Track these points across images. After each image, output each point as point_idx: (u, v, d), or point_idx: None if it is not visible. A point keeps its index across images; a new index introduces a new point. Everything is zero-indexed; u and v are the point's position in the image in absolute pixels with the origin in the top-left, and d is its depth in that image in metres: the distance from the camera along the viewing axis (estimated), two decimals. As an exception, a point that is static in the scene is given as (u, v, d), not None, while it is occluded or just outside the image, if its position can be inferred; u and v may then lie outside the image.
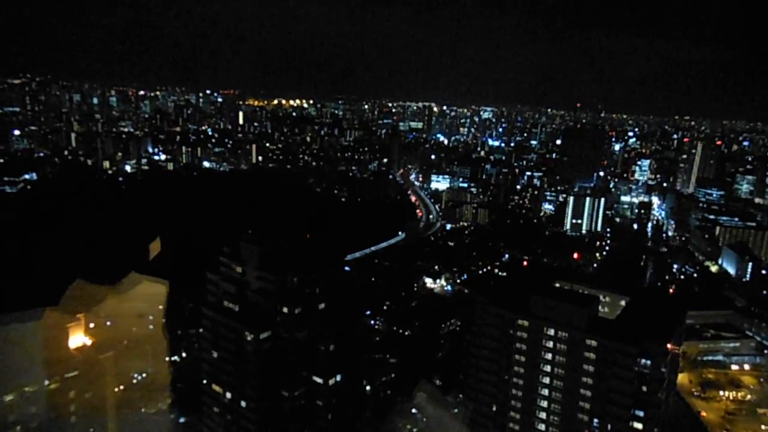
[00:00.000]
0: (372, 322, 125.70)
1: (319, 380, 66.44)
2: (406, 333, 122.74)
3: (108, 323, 79.56)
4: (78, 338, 76.53)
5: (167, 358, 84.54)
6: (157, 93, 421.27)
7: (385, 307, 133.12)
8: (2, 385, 65.66)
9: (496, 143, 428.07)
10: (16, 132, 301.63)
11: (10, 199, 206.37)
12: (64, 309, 69.06)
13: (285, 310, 64.12)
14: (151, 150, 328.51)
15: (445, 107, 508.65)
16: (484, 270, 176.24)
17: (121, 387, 77.66)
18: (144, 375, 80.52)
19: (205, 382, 69.77)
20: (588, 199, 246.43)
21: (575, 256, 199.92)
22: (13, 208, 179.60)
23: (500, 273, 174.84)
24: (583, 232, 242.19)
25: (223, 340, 66.95)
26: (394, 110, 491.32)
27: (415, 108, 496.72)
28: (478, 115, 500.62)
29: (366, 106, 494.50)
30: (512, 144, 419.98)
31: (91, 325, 77.36)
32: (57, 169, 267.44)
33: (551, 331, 60.06)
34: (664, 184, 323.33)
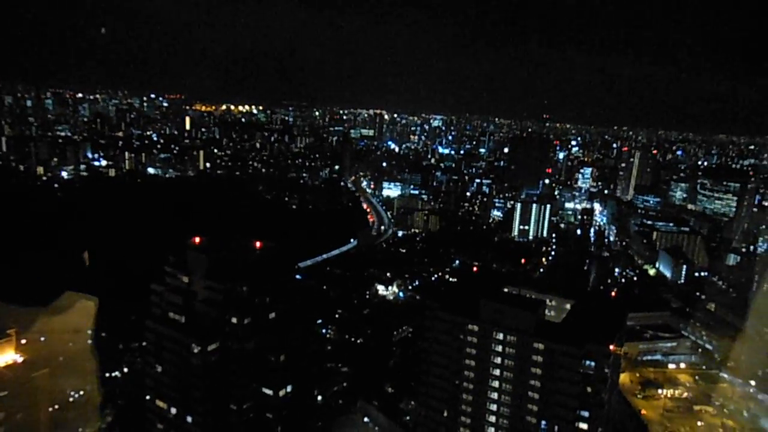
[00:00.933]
0: (324, 330, 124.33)
1: (269, 392, 65.02)
2: (358, 341, 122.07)
3: (42, 339, 74.96)
4: (8, 356, 71.67)
5: (106, 374, 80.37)
6: (98, 96, 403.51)
7: (337, 315, 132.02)
8: None
9: (446, 151, 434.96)
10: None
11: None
12: None
13: (234, 320, 62.43)
14: (90, 156, 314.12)
15: (395, 115, 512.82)
16: (436, 276, 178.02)
17: (56, 407, 73.21)
18: (81, 393, 76.17)
19: (148, 397, 66.85)
20: (534, 205, 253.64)
21: (523, 261, 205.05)
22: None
23: (451, 279, 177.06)
24: (530, 237, 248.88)
25: (167, 353, 64.38)
26: (345, 117, 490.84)
27: (366, 115, 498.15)
28: (428, 123, 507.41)
29: (317, 113, 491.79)
30: (462, 152, 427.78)
31: (23, 341, 72.65)
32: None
33: (500, 336, 61.11)
34: (605, 191, 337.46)
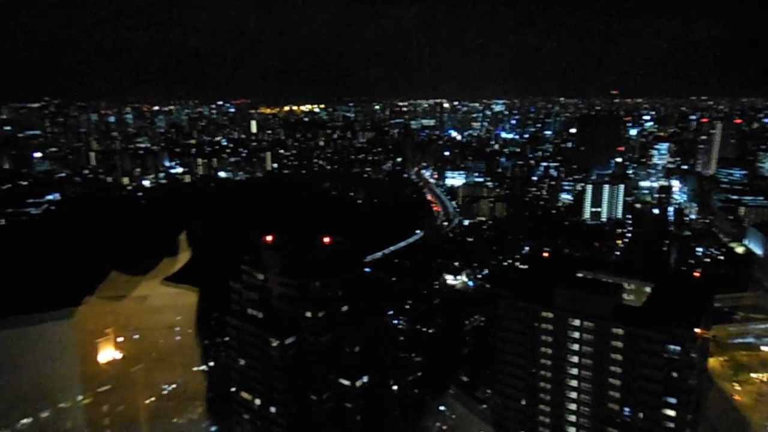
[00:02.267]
0: (395, 321, 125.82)
1: (346, 382, 66.76)
2: (430, 331, 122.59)
3: (136, 336, 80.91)
4: (108, 353, 77.96)
5: (195, 368, 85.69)
6: (171, 107, 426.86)
7: (407, 306, 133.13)
8: (38, 400, 67.31)
9: (510, 135, 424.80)
10: (38, 154, 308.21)
11: (35, 220, 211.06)
12: (102, 297, 70.56)
13: (308, 314, 64.54)
14: (167, 164, 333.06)
15: (456, 103, 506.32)
16: (505, 264, 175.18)
17: (153, 399, 78.89)
18: (174, 385, 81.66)
19: (234, 389, 70.63)
20: (606, 186, 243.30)
21: (596, 244, 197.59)
22: (38, 229, 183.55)
23: (521, 266, 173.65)
24: (603, 220, 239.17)
25: (248, 348, 67.65)
26: (405, 109, 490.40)
27: (426, 106, 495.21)
28: (490, 108, 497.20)
29: (377, 107, 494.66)
30: (526, 135, 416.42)
31: (120, 339, 78.76)
32: (78, 188, 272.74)
33: (576, 322, 59.46)
34: (684, 167, 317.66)
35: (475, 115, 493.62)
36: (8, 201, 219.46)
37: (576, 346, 60.10)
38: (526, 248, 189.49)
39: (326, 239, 71.40)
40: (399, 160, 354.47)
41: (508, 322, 65.25)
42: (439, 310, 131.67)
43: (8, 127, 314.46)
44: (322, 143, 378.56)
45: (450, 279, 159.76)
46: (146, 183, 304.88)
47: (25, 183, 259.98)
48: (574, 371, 60.48)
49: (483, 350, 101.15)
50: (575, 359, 60.30)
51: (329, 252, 70.83)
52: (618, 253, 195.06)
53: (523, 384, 64.68)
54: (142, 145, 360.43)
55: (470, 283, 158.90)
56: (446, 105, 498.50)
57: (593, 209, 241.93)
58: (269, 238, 71.04)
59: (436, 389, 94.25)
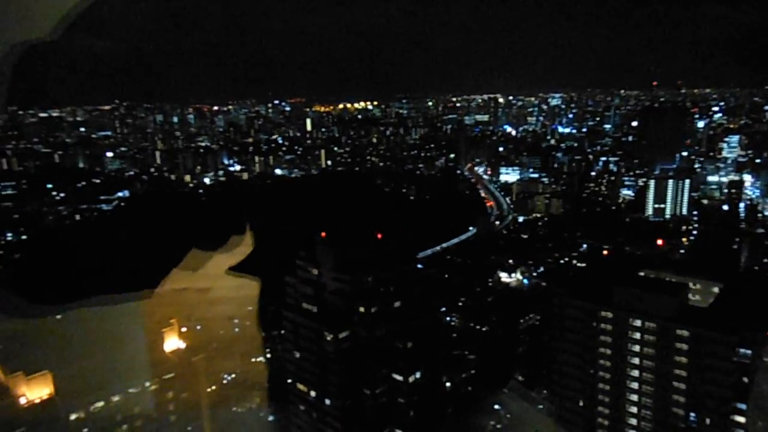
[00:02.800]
0: (448, 318, 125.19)
1: (399, 378, 67.20)
2: (484, 329, 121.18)
3: (198, 327, 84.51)
4: (172, 342, 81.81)
5: (255, 359, 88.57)
6: (230, 107, 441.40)
7: (460, 303, 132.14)
8: (110, 384, 71.48)
9: (567, 130, 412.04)
10: (109, 154, 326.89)
11: (107, 216, 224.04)
12: (167, 288, 74.11)
13: (361, 309, 65.41)
14: (226, 162, 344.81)
15: (511, 97, 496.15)
16: (562, 262, 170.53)
17: (214, 387, 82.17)
18: (233, 375, 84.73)
19: (290, 381, 72.56)
20: (671, 181, 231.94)
21: (659, 242, 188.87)
22: (110, 223, 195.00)
23: (579, 264, 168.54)
24: (667, 216, 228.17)
25: (304, 341, 69.32)
26: (458, 105, 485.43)
27: (479, 101, 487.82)
28: (546, 102, 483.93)
29: (430, 103, 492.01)
30: (584, 129, 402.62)
31: (183, 330, 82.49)
32: (145, 185, 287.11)
33: (637, 323, 57.33)
34: (757, 161, 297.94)
35: (530, 110, 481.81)
36: (83, 198, 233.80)
37: (637, 348, 57.90)
38: (584, 246, 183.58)
39: (379, 235, 72.02)
40: (452, 156, 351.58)
41: (565, 322, 63.70)
42: (493, 308, 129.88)
43: (83, 129, 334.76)
44: (375, 140, 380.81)
45: (504, 276, 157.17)
46: (206, 180, 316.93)
47: (98, 181, 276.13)
48: (635, 373, 58.29)
49: (538, 349, 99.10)
50: (636, 361, 58.09)
51: (382, 248, 71.42)
52: (683, 251, 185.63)
53: (581, 385, 62.98)
54: (203, 144, 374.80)
55: (525, 281, 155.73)
56: (501, 100, 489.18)
57: (656, 205, 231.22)
58: (323, 234, 72.42)
59: (491, 388, 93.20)
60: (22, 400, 70.00)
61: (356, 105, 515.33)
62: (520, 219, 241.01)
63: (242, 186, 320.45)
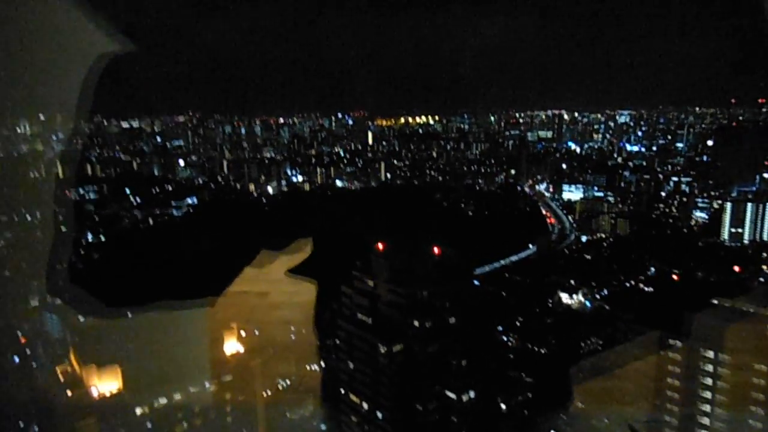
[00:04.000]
0: (504, 338, 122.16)
1: (452, 395, 66.12)
2: (542, 351, 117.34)
3: (256, 332, 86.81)
4: (231, 345, 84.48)
5: (309, 366, 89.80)
6: (295, 120, 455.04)
7: (517, 323, 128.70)
8: (173, 382, 74.58)
9: (635, 148, 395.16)
10: (181, 162, 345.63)
11: (177, 220, 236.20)
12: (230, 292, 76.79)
13: (416, 323, 65.01)
14: (289, 172, 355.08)
15: (576, 114, 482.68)
16: (627, 285, 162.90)
17: (269, 392, 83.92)
18: (288, 382, 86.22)
19: (343, 391, 72.94)
20: (750, 204, 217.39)
21: (737, 269, 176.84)
22: (180, 227, 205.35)
23: (646, 288, 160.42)
24: (746, 241, 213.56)
25: (357, 352, 69.60)
26: (521, 121, 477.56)
27: (543, 117, 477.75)
28: (614, 119, 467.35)
29: (492, 119, 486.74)
30: (654, 148, 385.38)
31: (243, 334, 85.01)
32: (213, 193, 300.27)
33: (710, 354, 53.83)
34: None
35: (596, 127, 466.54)
36: (156, 203, 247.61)
37: (709, 381, 54.27)
38: (652, 269, 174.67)
39: (436, 249, 71.53)
40: (513, 172, 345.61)
41: (629, 349, 60.77)
42: (552, 330, 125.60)
43: (159, 138, 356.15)
44: (435, 154, 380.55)
45: (565, 297, 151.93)
46: (270, 190, 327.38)
47: (170, 188, 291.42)
48: (706, 408, 54.60)
49: (600, 376, 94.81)
50: (708, 395, 54.41)
51: (438, 263, 70.85)
52: (762, 279, 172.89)
53: (644, 417, 59.66)
54: (268, 155, 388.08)
55: (587, 303, 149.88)
56: (566, 116, 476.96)
57: (733, 229, 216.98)
58: (380, 245, 72.78)
59: (548, 412, 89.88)
60: (93, 391, 74.28)
61: (417, 119, 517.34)
62: (583, 239, 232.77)
63: (303, 196, 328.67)
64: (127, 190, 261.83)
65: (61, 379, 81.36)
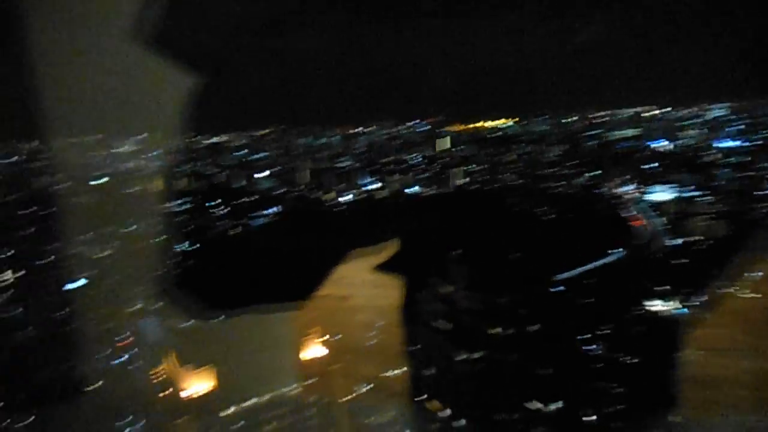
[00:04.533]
0: (591, 347, 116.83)
1: (535, 406, 64.40)
2: (633, 361, 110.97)
3: (338, 336, 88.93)
4: (314, 349, 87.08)
5: (390, 372, 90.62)
6: (370, 128, 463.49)
7: (605, 332, 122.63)
8: (259, 385, 77.96)
9: (732, 144, 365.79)
10: (263, 174, 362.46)
11: (260, 230, 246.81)
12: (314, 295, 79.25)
13: (495, 331, 64.12)
14: (365, 180, 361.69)
15: (664, 110, 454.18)
16: (728, 291, 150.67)
17: (350, 396, 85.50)
18: (370, 386, 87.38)
19: (422, 398, 73.03)
20: None
21: None
22: (261, 237, 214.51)
23: (749, 294, 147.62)
24: None
25: (436, 359, 69.60)
26: (602, 120, 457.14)
27: (626, 115, 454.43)
28: (707, 114, 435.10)
29: (570, 119, 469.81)
30: (754, 143, 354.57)
31: (326, 337, 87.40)
32: (292, 203, 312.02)
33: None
34: None
35: (687, 123, 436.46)
36: (240, 213, 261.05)
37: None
38: (759, 273, 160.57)
39: (514, 255, 70.11)
40: (594, 173, 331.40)
41: (735, 355, 56.22)
42: (643, 339, 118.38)
43: (244, 151, 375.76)
44: (511, 158, 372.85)
45: (657, 304, 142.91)
46: (347, 198, 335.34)
47: (252, 199, 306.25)
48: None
49: (703, 385, 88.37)
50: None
51: (517, 268, 69.46)
52: None
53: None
54: (344, 164, 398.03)
55: (682, 311, 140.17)
56: (651, 113, 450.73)
57: None
58: (456, 251, 72.38)
59: (640, 426, 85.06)
60: (189, 391, 79.23)
61: (493, 123, 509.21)
62: (675, 242, 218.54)
63: (379, 203, 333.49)
64: (214, 202, 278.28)
65: (159, 380, 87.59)
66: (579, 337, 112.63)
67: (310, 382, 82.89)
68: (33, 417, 79.27)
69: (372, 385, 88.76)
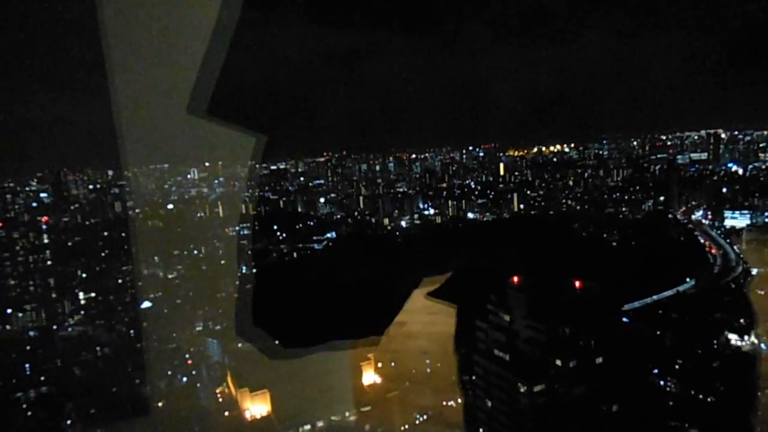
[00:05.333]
0: (662, 382, 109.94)
1: (602, 443, 60.95)
2: (709, 399, 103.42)
3: (392, 364, 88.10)
4: (369, 375, 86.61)
5: (445, 401, 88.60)
6: (427, 155, 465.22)
7: (677, 366, 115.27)
8: (316, 411, 78.14)
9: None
10: (321, 200, 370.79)
11: (318, 254, 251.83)
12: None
13: (558, 362, 61.40)
14: (421, 206, 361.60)
15: (736, 132, 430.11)
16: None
17: (406, 426, 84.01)
18: (425, 416, 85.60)
19: (481, 430, 70.61)
20: None
21: None
22: (320, 260, 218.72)
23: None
24: None
25: (495, 389, 67.19)
26: (669, 143, 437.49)
27: (696, 138, 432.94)
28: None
29: (635, 143, 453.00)
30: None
31: (379, 365, 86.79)
32: (350, 227, 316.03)
33: None
34: None
35: (762, 145, 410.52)
36: (299, 238, 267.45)
37: None
38: None
39: (577, 283, 67.42)
40: (661, 198, 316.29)
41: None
42: (720, 375, 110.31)
43: (302, 178, 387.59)
44: (571, 183, 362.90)
45: (734, 339, 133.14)
46: (403, 223, 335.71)
47: (311, 223, 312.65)
48: None
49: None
50: None
51: (581, 297, 66.61)
52: None
53: None
54: (401, 190, 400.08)
55: (763, 345, 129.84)
56: (723, 135, 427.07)
57: None
58: (516, 278, 70.33)
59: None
60: (247, 414, 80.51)
61: (551, 148, 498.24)
62: (753, 271, 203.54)
63: (435, 229, 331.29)
64: (275, 226, 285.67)
65: (220, 400, 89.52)
66: (649, 372, 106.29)
67: (366, 409, 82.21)
68: (103, 431, 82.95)
69: (427, 415, 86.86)
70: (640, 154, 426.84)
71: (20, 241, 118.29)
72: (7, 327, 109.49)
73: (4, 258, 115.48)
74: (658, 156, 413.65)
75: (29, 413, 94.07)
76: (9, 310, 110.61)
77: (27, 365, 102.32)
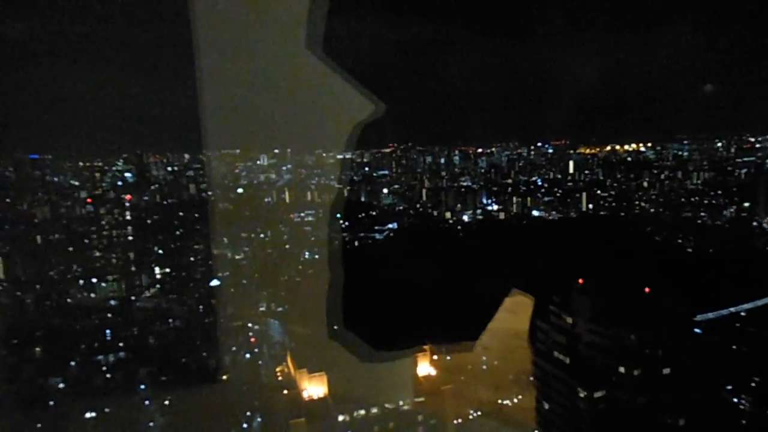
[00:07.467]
0: (735, 399, 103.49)
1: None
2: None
3: (448, 357, 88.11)
4: (424, 367, 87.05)
5: (501, 400, 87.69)
6: (493, 149, 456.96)
7: (753, 384, 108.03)
8: (370, 397, 79.58)
9: None
10: (385, 190, 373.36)
11: (379, 243, 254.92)
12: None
13: (621, 370, 59.36)
14: (485, 201, 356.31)
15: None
16: None
17: (459, 420, 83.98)
18: (479, 413, 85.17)
19: None
20: None
21: None
22: (382, 250, 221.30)
23: None
24: None
25: (553, 393, 65.93)
26: (758, 145, 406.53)
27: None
28: None
29: (719, 144, 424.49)
30: None
31: (435, 357, 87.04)
32: (411, 219, 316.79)
33: None
34: None
35: None
36: (362, 227, 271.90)
37: None
38: None
39: (647, 289, 64.76)
40: (746, 205, 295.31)
41: None
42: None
43: (367, 168, 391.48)
44: (646, 184, 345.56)
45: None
46: (465, 218, 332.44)
47: (374, 213, 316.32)
48: None
49: None
50: None
51: (650, 304, 63.95)
52: None
53: None
54: (464, 184, 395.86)
55: None
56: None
57: None
58: (581, 280, 68.38)
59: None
60: (304, 393, 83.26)
61: (626, 146, 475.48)
62: None
63: (498, 225, 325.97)
64: (338, 215, 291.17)
65: (279, 378, 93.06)
66: (721, 387, 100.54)
67: (420, 399, 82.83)
68: (171, 398, 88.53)
69: (480, 413, 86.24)
70: (724, 157, 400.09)
71: (106, 216, 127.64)
72: (92, 295, 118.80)
73: (91, 231, 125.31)
74: (745, 159, 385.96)
75: (108, 375, 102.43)
76: (94, 280, 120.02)
77: (108, 331, 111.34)
